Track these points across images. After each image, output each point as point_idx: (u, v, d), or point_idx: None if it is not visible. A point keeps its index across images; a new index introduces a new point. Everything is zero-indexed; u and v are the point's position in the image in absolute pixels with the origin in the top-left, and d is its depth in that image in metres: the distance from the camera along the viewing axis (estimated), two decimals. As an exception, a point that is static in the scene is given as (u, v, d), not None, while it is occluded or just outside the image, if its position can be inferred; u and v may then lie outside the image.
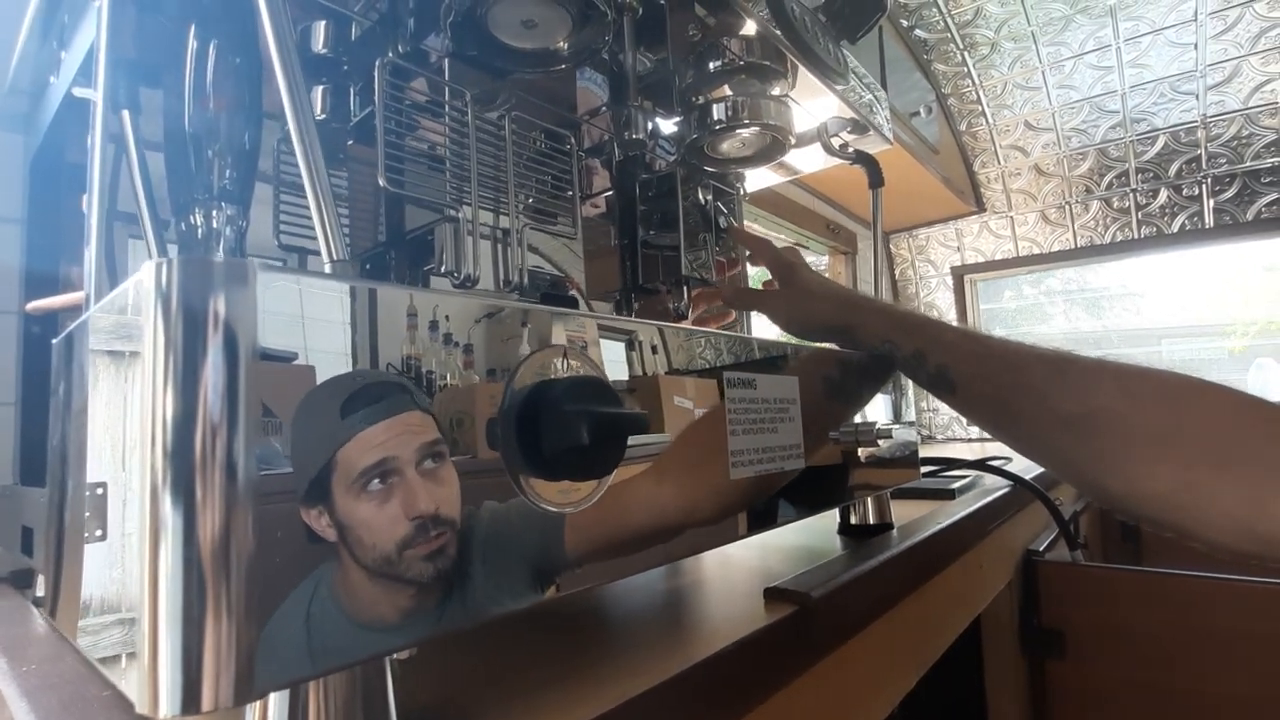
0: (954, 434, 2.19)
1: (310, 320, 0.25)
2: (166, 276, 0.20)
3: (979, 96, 1.90)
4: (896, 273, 2.36)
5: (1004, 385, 0.47)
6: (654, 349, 0.38)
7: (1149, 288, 2.23)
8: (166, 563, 0.19)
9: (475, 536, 0.27)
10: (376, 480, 0.25)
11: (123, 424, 0.24)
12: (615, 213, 0.66)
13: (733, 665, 0.35)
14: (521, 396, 0.28)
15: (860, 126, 0.66)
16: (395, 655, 0.25)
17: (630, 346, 0.38)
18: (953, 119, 1.96)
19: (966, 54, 1.78)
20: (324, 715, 0.23)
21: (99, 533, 0.25)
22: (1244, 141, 1.80)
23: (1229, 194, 1.86)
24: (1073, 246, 2.07)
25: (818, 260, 2.09)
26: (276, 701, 0.22)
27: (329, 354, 0.25)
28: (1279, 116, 1.74)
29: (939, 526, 0.62)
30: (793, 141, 0.59)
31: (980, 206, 2.14)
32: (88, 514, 0.26)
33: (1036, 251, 2.13)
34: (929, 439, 2.20)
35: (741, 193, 0.76)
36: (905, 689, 0.54)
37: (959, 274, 2.25)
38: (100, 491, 0.25)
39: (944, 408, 2.28)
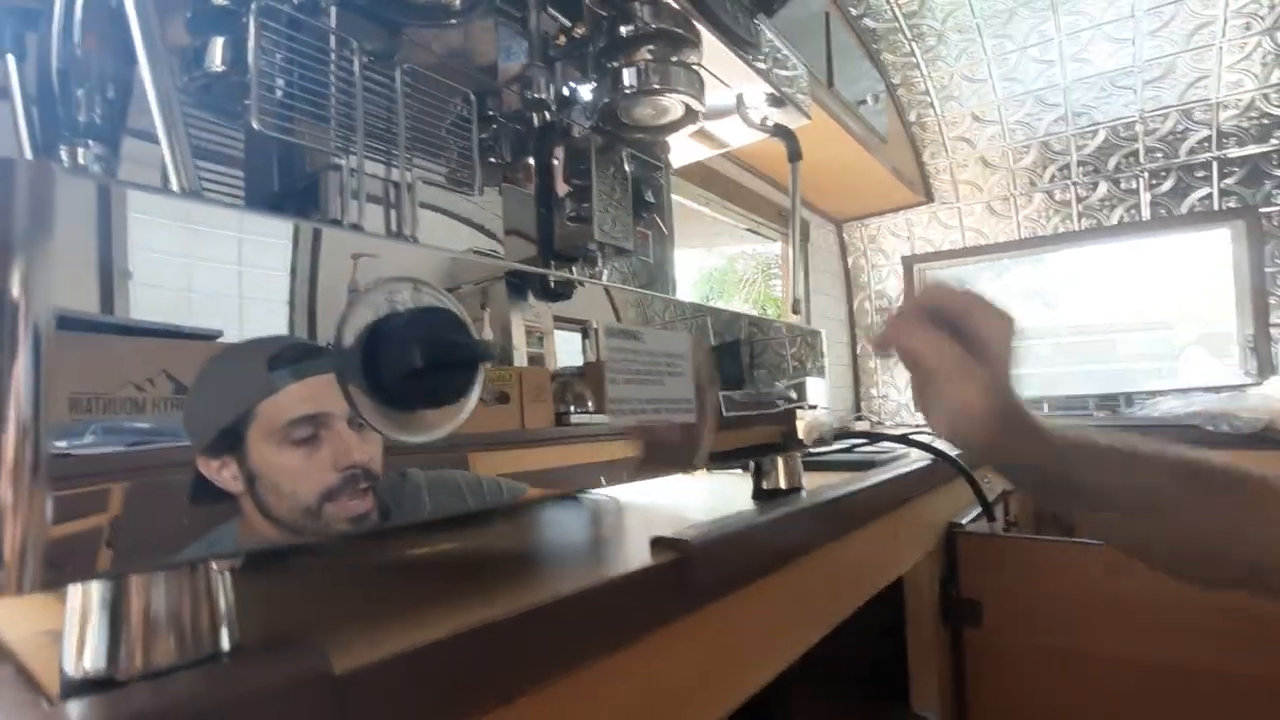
0: (902, 420, 2.24)
1: (192, 259, 0.25)
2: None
3: (927, 88, 1.93)
4: (849, 261, 2.39)
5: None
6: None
7: (1100, 283, 2.30)
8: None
9: (396, 496, 0.28)
10: (306, 430, 0.26)
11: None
12: (534, 179, 0.66)
13: (603, 600, 0.35)
14: (367, 324, 0.28)
15: (777, 100, 0.67)
16: (227, 565, 0.25)
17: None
18: (902, 109, 1.99)
19: (914, 44, 1.81)
20: (146, 619, 0.22)
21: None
22: (1179, 136, 1.87)
23: (1165, 188, 1.93)
24: (1017, 238, 2.13)
25: (768, 251, 2.11)
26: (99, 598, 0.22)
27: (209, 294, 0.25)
28: (1211, 113, 1.81)
29: (843, 491, 0.63)
30: (703, 108, 0.59)
31: (929, 197, 2.19)
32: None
33: (983, 242, 2.19)
34: (878, 424, 2.24)
35: (667, 164, 0.76)
36: (803, 646, 0.56)
37: (908, 263, 2.30)
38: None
39: (892, 393, 2.33)
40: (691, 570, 0.40)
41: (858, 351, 2.41)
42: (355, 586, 0.40)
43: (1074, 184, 2.01)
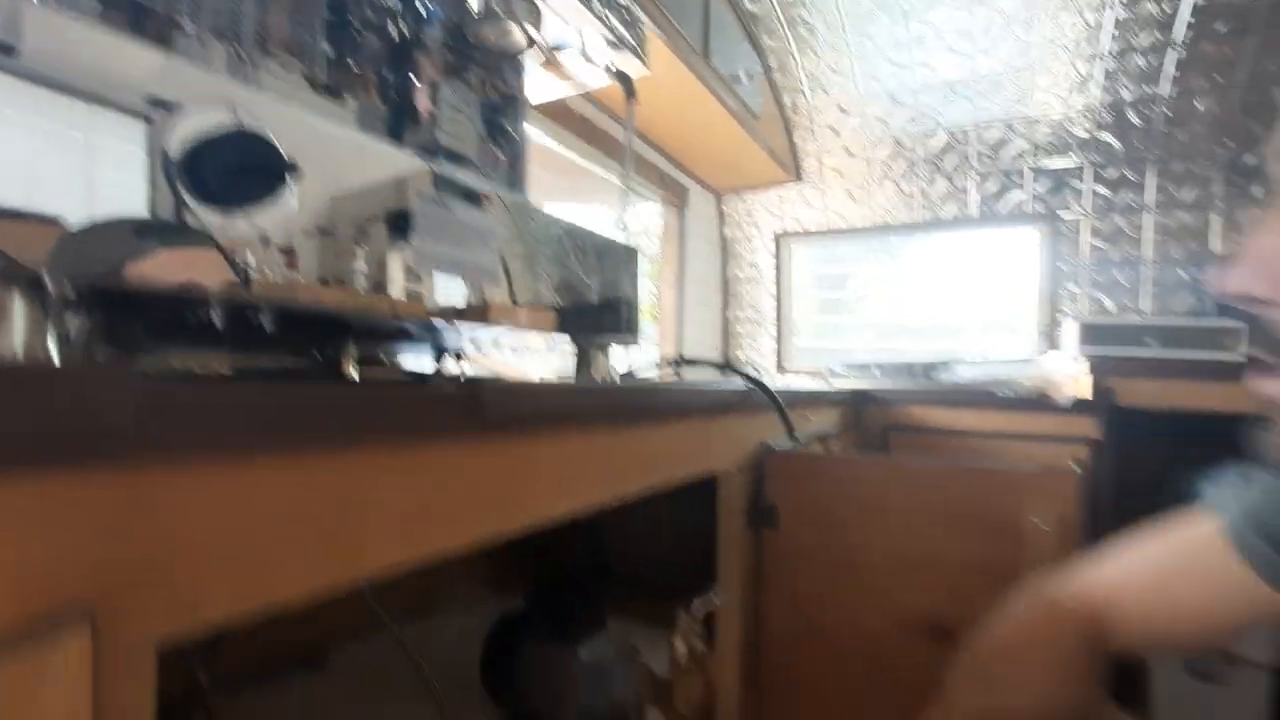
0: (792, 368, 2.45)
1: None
2: None
3: (800, 75, 2.11)
4: (726, 232, 2.56)
5: None
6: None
7: (936, 269, 2.61)
8: None
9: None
10: None
11: None
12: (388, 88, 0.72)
13: (399, 397, 0.44)
14: (189, 138, 0.35)
15: (614, 44, 0.77)
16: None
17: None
18: (778, 92, 2.16)
19: (788, 32, 1.97)
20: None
21: None
22: (1002, 144, 2.15)
23: (990, 189, 2.21)
24: (870, 225, 2.37)
25: (647, 208, 2.22)
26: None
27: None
28: (1028, 128, 2.10)
29: (648, 385, 0.75)
30: (541, 38, 0.68)
31: (799, 177, 2.38)
32: None
33: (842, 225, 2.41)
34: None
35: (523, 96, 0.84)
36: (593, 502, 0.67)
37: (779, 239, 2.49)
38: None
39: (755, 357, 2.54)
40: (482, 399, 0.50)
41: (727, 314, 2.60)
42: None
43: (918, 178, 2.27)
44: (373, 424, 0.42)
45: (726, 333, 2.59)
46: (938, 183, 2.25)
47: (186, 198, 0.34)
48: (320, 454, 0.40)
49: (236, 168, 0.34)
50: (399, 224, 0.56)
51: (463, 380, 0.50)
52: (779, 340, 2.50)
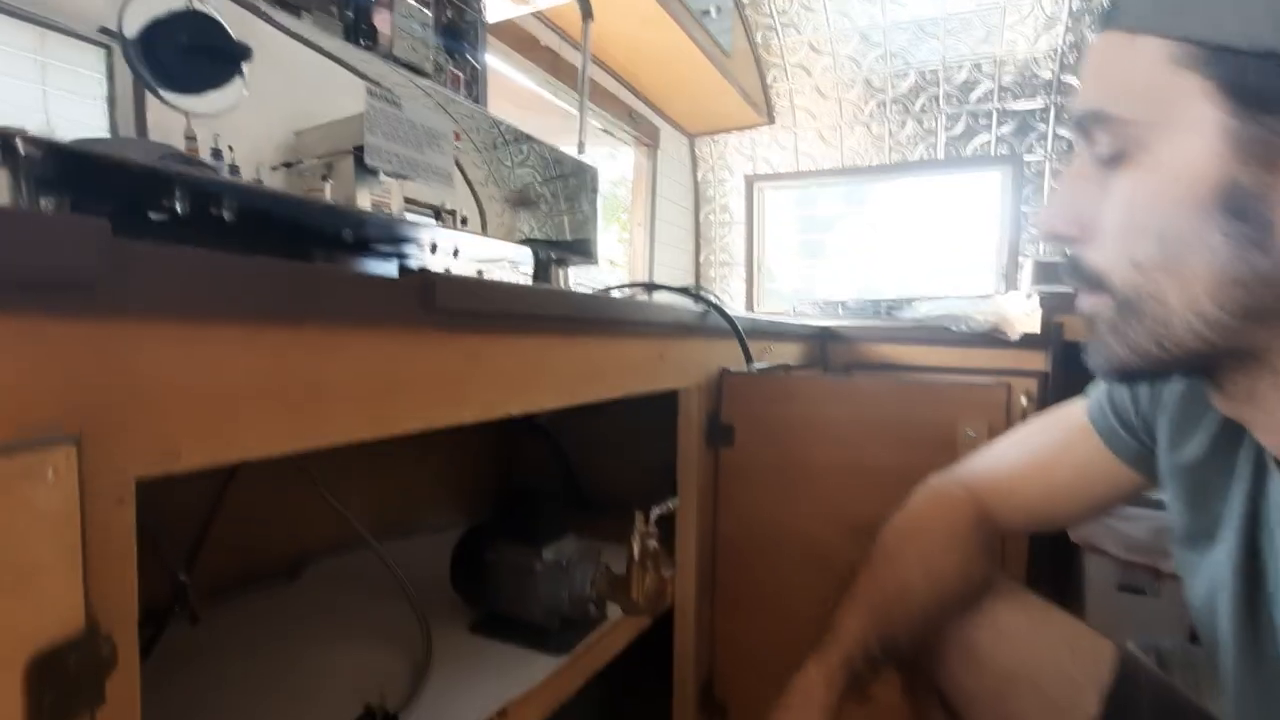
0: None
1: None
2: None
3: (771, 11, 2.09)
4: (699, 175, 2.57)
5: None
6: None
7: (906, 209, 2.66)
8: None
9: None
10: None
11: None
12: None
13: (357, 287, 0.48)
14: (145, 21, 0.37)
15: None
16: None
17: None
18: (750, 29, 2.14)
19: (760, -35, 1.95)
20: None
21: None
22: (970, 86, 2.17)
23: (957, 130, 2.24)
24: (840, 166, 2.40)
25: (617, 153, 2.22)
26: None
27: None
28: (995, 68, 2.11)
29: (604, 298, 0.79)
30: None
31: (771, 119, 2.39)
32: None
33: (813, 168, 2.44)
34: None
35: (482, 18, 0.85)
36: (547, 403, 0.71)
37: (750, 182, 2.51)
38: None
39: (725, 300, 2.58)
40: (434, 289, 0.54)
41: (699, 259, 2.63)
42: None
43: (888, 120, 2.29)
44: (328, 304, 0.46)
45: (699, 277, 2.63)
46: (908, 125, 2.27)
47: (147, 77, 0.37)
48: (282, 326, 0.44)
49: (191, 49, 0.37)
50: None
51: (418, 272, 0.53)
52: (749, 282, 2.54)
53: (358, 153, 0.64)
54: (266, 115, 0.54)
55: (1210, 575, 0.51)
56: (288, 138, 0.59)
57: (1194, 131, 0.37)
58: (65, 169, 0.37)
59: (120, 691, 0.35)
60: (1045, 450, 0.70)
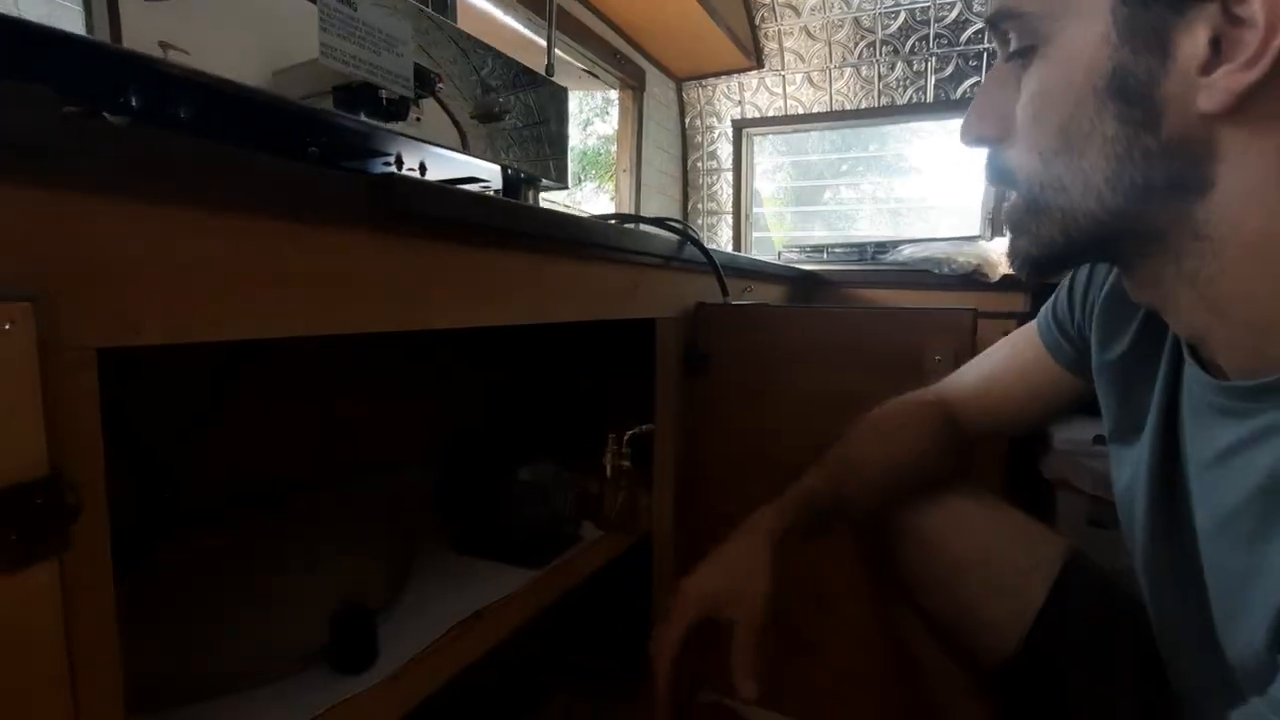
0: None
1: None
2: None
3: (759, -54, 2.04)
4: (686, 121, 2.54)
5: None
6: None
7: (897, 155, 2.64)
8: None
9: None
10: None
11: None
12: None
13: (299, 173, 0.49)
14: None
15: None
16: None
17: None
18: (737, -33, 2.09)
19: (746, -103, 1.90)
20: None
21: None
22: (961, 25, 2.13)
23: (947, 73, 2.21)
24: (829, 109, 2.37)
25: (605, 97, 2.19)
26: None
27: None
28: (986, 6, 2.07)
29: (565, 213, 0.80)
30: None
31: (759, 63, 2.35)
32: None
33: (801, 112, 2.41)
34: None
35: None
36: (511, 319, 0.73)
37: (738, 127, 2.48)
38: None
39: (724, 236, 2.59)
40: (391, 190, 0.55)
41: (687, 207, 2.62)
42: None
43: (877, 62, 2.25)
44: (283, 197, 0.47)
45: (686, 222, 2.62)
46: (897, 67, 2.24)
47: None
48: (236, 214, 0.45)
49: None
50: (346, 98, 0.59)
51: (376, 174, 0.55)
52: (736, 230, 2.54)
53: (337, 93, 0.64)
54: (244, 54, 0.54)
55: (1134, 462, 0.54)
56: (265, 78, 0.59)
57: (1088, 18, 0.38)
58: (21, 48, 0.38)
59: (87, 541, 0.37)
60: (1003, 362, 0.75)
